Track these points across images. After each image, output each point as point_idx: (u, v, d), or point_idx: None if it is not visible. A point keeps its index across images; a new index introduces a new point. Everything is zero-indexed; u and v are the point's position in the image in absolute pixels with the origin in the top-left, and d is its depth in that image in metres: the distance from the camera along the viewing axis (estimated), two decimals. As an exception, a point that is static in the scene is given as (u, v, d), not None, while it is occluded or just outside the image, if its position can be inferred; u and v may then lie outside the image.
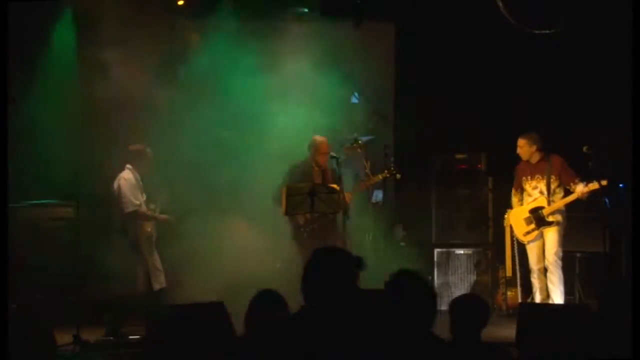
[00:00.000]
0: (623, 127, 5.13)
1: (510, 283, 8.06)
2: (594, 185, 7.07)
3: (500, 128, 8.60)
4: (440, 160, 8.72)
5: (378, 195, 9.13)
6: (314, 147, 7.50)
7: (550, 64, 8.59)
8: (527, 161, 7.56)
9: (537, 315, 5.62)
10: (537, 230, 7.46)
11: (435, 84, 8.91)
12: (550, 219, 7.41)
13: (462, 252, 8.38)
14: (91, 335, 6.84)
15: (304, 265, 3.36)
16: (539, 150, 7.49)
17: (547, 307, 6.85)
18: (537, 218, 7.45)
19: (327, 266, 3.30)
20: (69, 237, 7.53)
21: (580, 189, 7.19)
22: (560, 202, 7.39)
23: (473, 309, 3.73)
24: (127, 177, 7.12)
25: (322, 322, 3.20)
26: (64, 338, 6.35)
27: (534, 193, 7.51)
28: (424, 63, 8.95)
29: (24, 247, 7.62)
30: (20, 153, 7.13)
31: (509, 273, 8.03)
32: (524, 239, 7.58)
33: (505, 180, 8.17)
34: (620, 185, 7.19)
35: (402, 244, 8.75)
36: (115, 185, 7.11)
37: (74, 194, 6.86)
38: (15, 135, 5.76)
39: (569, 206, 7.49)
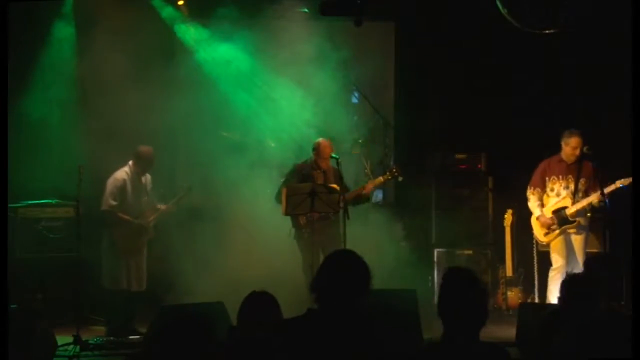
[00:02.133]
0: (623, 127, 5.13)
1: (510, 283, 8.07)
2: (616, 185, 7.02)
3: (500, 128, 8.61)
4: (440, 160, 8.72)
5: (378, 195, 9.14)
6: (317, 151, 7.48)
7: (551, 63, 8.59)
8: (560, 160, 7.41)
9: (537, 315, 5.61)
10: (559, 229, 7.38)
11: (436, 83, 8.92)
12: (579, 220, 7.34)
13: (462, 252, 8.37)
14: (91, 335, 6.86)
15: (319, 267, 3.36)
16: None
17: (547, 307, 6.84)
18: (560, 218, 7.36)
19: (343, 270, 3.30)
20: (69, 237, 7.54)
21: (595, 196, 7.18)
22: (581, 203, 7.31)
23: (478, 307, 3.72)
24: (117, 176, 7.14)
25: (332, 324, 3.20)
26: (64, 338, 6.36)
27: (564, 193, 7.38)
28: (424, 63, 8.95)
29: (24, 247, 7.63)
30: (20, 152, 7.14)
31: (509, 273, 8.05)
32: (545, 239, 7.48)
33: (505, 180, 8.18)
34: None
35: (402, 243, 8.74)
36: (107, 180, 7.15)
37: (74, 194, 6.86)
38: (15, 134, 5.77)
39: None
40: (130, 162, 7.23)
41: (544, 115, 8.45)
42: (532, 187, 7.55)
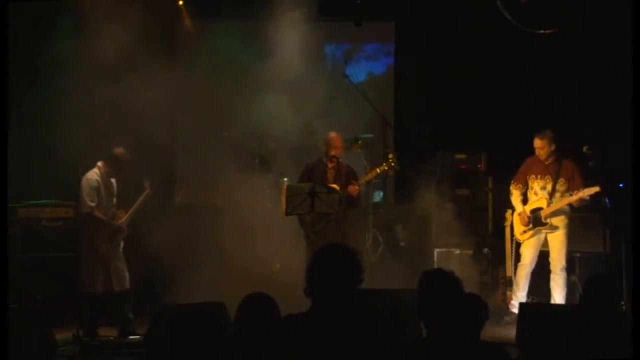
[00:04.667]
0: (623, 127, 5.14)
1: (510, 283, 8.05)
2: (589, 191, 7.09)
3: (500, 128, 8.61)
4: (440, 160, 8.72)
5: (378, 195, 9.13)
6: (326, 142, 7.36)
7: (551, 64, 8.60)
8: (539, 159, 7.49)
9: (537, 315, 5.61)
10: (533, 230, 7.49)
11: (436, 83, 8.92)
12: (550, 221, 7.41)
13: (462, 252, 8.37)
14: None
15: (308, 263, 3.36)
16: (554, 150, 7.45)
17: (547, 307, 6.84)
18: (535, 218, 7.47)
19: (331, 263, 3.30)
20: (69, 237, 7.54)
21: (574, 196, 7.22)
22: (556, 205, 7.38)
23: (472, 308, 3.72)
24: (89, 177, 7.04)
25: (333, 323, 3.20)
26: (64, 338, 6.36)
27: (541, 193, 7.47)
28: (424, 63, 8.95)
29: (24, 247, 7.62)
30: (20, 152, 7.13)
31: (509, 273, 8.04)
32: (521, 238, 7.62)
33: (506, 180, 8.17)
34: (621, 185, 7.19)
35: (402, 243, 8.74)
36: (81, 182, 7.05)
37: (74, 194, 6.86)
38: (16, 135, 5.76)
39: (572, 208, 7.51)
40: (100, 164, 7.12)
41: (544, 115, 8.45)
42: (515, 182, 7.67)
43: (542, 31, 7.34)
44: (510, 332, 6.41)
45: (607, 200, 7.09)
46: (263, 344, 3.46)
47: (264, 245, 7.62)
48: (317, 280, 3.28)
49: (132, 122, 7.51)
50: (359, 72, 8.74)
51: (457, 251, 8.38)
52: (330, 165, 7.36)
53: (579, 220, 7.76)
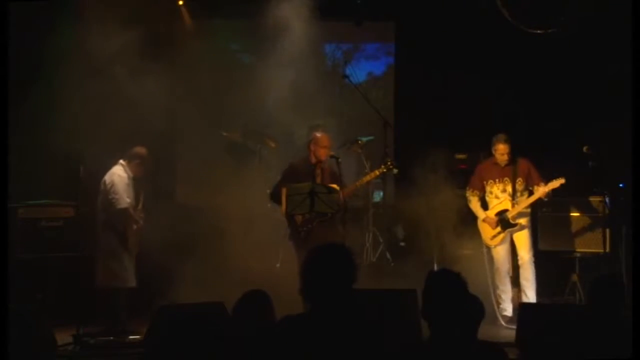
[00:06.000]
0: (623, 127, 5.14)
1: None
2: (554, 184, 7.09)
3: (501, 128, 8.60)
4: (440, 160, 8.71)
5: (378, 195, 9.14)
6: (314, 142, 7.27)
7: (551, 64, 8.60)
8: (495, 163, 7.50)
9: (537, 315, 5.62)
10: (503, 233, 7.47)
11: (436, 84, 8.92)
12: (518, 221, 7.41)
13: (462, 252, 8.36)
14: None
15: (302, 264, 3.36)
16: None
17: (547, 307, 6.85)
18: (503, 221, 7.45)
19: (325, 264, 3.30)
20: (69, 237, 7.55)
21: (542, 189, 7.20)
22: (522, 203, 7.37)
23: (470, 308, 3.72)
24: (121, 175, 7.09)
25: (332, 323, 3.20)
26: (64, 338, 6.36)
27: (502, 196, 7.48)
28: (424, 63, 8.96)
29: (24, 247, 7.62)
30: (20, 152, 7.13)
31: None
32: (491, 243, 7.59)
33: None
34: (620, 185, 7.18)
35: (402, 243, 8.73)
36: (108, 179, 7.04)
37: (74, 194, 6.86)
38: (16, 135, 5.77)
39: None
40: (123, 162, 7.15)
41: (543, 116, 8.45)
42: (472, 189, 7.69)
43: (541, 31, 7.34)
44: (510, 332, 6.41)
45: (607, 200, 7.08)
46: (261, 343, 3.47)
47: (264, 244, 7.62)
48: (312, 281, 3.28)
49: (132, 122, 7.51)
50: (359, 72, 8.74)
51: (457, 251, 8.37)
52: (318, 164, 7.33)
53: (579, 220, 7.79)
